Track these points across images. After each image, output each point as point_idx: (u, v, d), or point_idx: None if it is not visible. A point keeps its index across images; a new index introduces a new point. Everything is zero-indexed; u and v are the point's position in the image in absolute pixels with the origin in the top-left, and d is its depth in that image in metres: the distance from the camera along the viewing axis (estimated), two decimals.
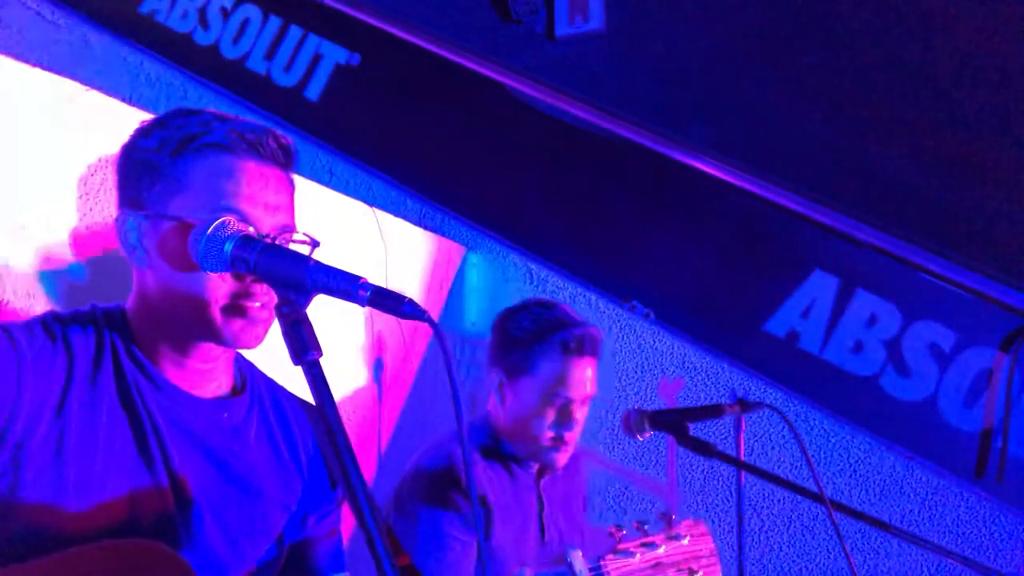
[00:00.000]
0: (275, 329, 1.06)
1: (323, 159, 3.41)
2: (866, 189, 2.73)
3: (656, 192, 2.98)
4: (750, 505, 2.82)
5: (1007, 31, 2.65)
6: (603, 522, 2.93)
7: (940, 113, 2.70)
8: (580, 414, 2.04)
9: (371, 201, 2.99)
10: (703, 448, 1.80)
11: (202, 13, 3.58)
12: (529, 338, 2.01)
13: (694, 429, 1.83)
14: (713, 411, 1.92)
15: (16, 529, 1.07)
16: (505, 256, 3.19)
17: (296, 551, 1.38)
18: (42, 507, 1.08)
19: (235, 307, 1.18)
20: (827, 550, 2.73)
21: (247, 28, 3.53)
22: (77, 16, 3.70)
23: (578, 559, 1.66)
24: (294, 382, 1.26)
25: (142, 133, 1.24)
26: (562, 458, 2.04)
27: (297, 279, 1.02)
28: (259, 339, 1.21)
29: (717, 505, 2.85)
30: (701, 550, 1.80)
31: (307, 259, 1.04)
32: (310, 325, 1.01)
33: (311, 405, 1.41)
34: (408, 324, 2.86)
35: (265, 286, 1.17)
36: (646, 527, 1.77)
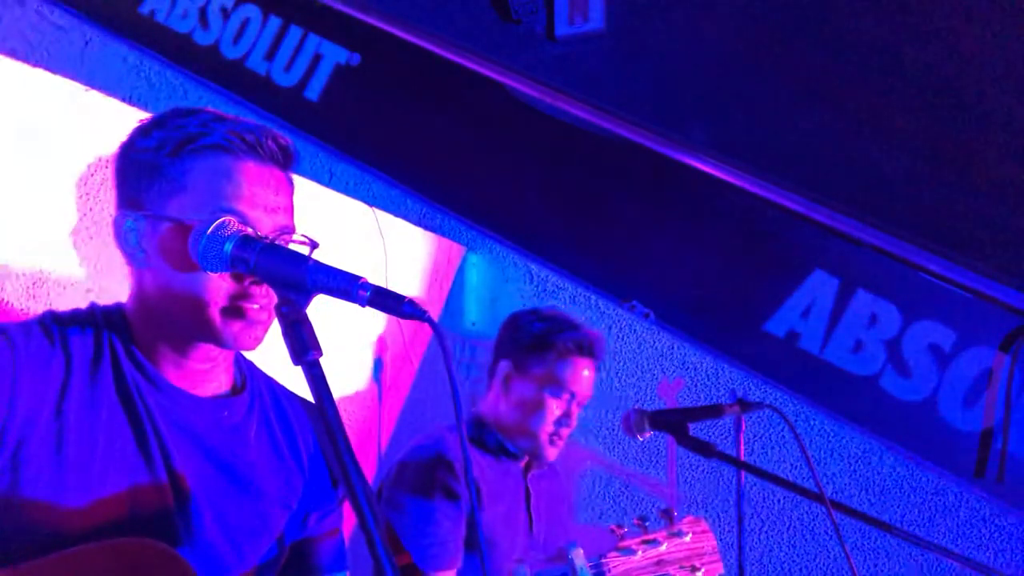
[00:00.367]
0: (275, 329, 1.06)
1: (323, 159, 3.40)
2: (866, 189, 2.73)
3: (656, 192, 2.98)
4: (750, 505, 2.81)
5: (1007, 31, 2.65)
6: (603, 521, 2.93)
7: (940, 113, 2.70)
8: (577, 414, 2.13)
9: (371, 201, 2.99)
10: (703, 448, 1.80)
11: (202, 13, 3.58)
12: (543, 333, 2.11)
13: (694, 429, 1.84)
14: (713, 411, 1.92)
15: (16, 529, 1.07)
16: (505, 256, 3.19)
17: (297, 550, 1.38)
18: (42, 507, 1.08)
19: (234, 309, 1.18)
20: (827, 550, 2.73)
21: (247, 28, 3.53)
22: (77, 16, 3.70)
23: (579, 557, 1.66)
24: (294, 382, 1.26)
25: (140, 133, 1.24)
26: (554, 453, 2.12)
27: (297, 279, 1.02)
28: (258, 341, 1.21)
29: (717, 505, 2.85)
30: (703, 547, 1.81)
31: (307, 259, 1.04)
32: (310, 325, 1.01)
33: (311, 403, 1.41)
34: (408, 324, 2.86)
35: (264, 288, 1.17)
36: (647, 524, 1.78)
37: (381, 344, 2.81)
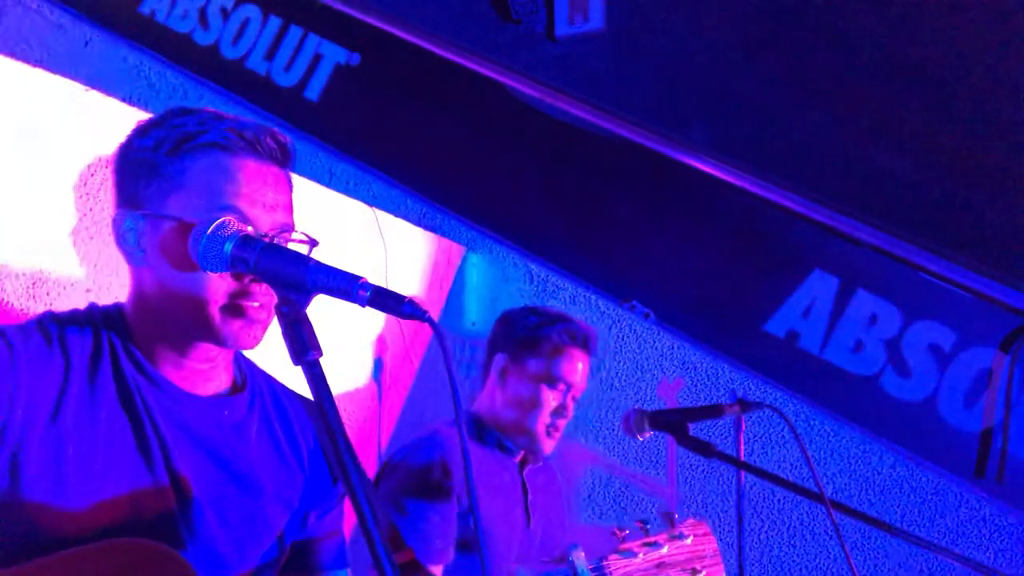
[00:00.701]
0: (275, 328, 1.06)
1: (323, 159, 3.40)
2: (866, 189, 2.73)
3: (656, 192, 2.98)
4: (750, 505, 2.81)
5: (1007, 31, 2.65)
6: (604, 521, 2.93)
7: (940, 113, 2.70)
8: (572, 406, 2.17)
9: (371, 201, 2.99)
10: (703, 448, 1.80)
11: (202, 13, 3.58)
12: (537, 325, 2.16)
13: (694, 429, 1.84)
14: (713, 411, 1.93)
15: (17, 530, 1.07)
16: (505, 256, 3.19)
17: (298, 549, 1.38)
18: (42, 508, 1.08)
19: (234, 307, 1.18)
20: (827, 550, 2.72)
21: (247, 28, 3.53)
22: (77, 16, 3.70)
23: (580, 559, 1.66)
24: (294, 382, 1.26)
25: (139, 132, 1.24)
26: (551, 445, 2.16)
27: (297, 279, 1.02)
28: (257, 339, 1.21)
29: (717, 505, 2.85)
30: (704, 550, 1.81)
31: (307, 259, 1.04)
32: (310, 325, 1.01)
33: (311, 401, 1.41)
34: (408, 324, 2.86)
35: (264, 286, 1.17)
36: (648, 527, 1.78)
37: (381, 344, 2.81)
